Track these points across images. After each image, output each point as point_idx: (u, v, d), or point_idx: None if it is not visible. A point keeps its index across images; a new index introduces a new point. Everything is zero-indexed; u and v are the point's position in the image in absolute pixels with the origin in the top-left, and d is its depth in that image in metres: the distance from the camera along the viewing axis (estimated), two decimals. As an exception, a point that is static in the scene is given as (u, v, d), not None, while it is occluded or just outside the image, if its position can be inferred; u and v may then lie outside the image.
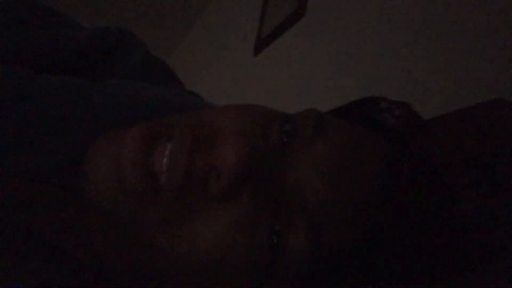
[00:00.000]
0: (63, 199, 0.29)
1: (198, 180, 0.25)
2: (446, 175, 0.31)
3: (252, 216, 0.25)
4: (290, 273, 0.26)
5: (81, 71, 0.39)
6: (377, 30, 0.82)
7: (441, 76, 0.64)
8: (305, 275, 0.26)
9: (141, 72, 0.42)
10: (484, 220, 0.30)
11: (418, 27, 0.71)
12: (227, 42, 1.67)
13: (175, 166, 0.25)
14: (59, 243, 0.28)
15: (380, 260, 0.28)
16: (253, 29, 1.40)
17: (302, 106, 0.31)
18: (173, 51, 2.42)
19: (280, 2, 1.26)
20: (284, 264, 0.26)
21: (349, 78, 0.87)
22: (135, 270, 0.27)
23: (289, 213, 0.26)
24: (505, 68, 0.54)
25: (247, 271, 0.25)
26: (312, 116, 0.29)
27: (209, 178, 0.25)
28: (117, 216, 0.25)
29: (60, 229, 0.28)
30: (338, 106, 0.38)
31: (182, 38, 2.34)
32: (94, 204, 0.26)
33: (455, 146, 0.33)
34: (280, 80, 1.16)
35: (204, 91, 0.58)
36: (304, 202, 0.26)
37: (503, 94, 0.51)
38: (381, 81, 0.77)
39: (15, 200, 0.28)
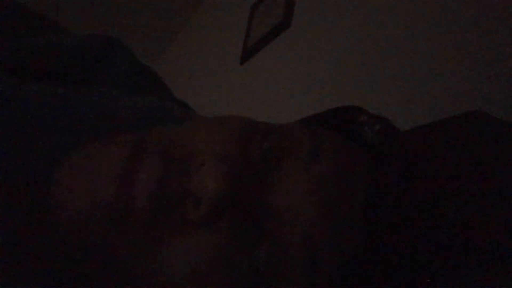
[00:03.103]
0: (37, 209, 0.28)
1: (174, 205, 0.24)
2: (425, 186, 0.32)
3: (231, 243, 0.24)
4: None
5: (67, 78, 0.39)
6: (361, 41, 0.84)
7: (422, 87, 0.65)
8: None
9: (129, 80, 0.42)
10: (462, 231, 0.30)
11: (401, 37, 0.73)
12: (213, 50, 1.68)
13: (147, 189, 0.24)
14: (33, 249, 0.27)
15: (372, 274, 0.28)
16: (239, 38, 1.41)
17: (288, 114, 0.31)
18: (159, 58, 2.41)
19: (266, 12, 1.27)
20: None
21: (333, 88, 0.88)
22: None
23: (279, 237, 0.25)
24: (483, 79, 0.55)
25: None
26: (308, 139, 0.28)
27: (186, 203, 0.24)
28: (86, 236, 0.24)
29: (32, 236, 0.28)
30: (316, 113, 0.37)
31: (168, 45, 2.34)
32: (62, 221, 0.25)
33: (432, 157, 0.33)
34: (266, 89, 1.17)
35: (190, 99, 0.58)
36: (297, 228, 0.25)
37: (481, 106, 0.53)
38: (365, 91, 0.78)
39: None
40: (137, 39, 2.15)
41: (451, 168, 0.32)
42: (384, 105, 0.71)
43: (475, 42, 0.58)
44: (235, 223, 0.25)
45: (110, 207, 0.23)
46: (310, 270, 0.25)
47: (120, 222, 0.24)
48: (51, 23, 0.43)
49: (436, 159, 0.33)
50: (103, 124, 0.32)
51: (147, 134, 0.27)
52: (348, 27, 0.89)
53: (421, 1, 0.71)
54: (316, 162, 0.27)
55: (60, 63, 0.38)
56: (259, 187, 0.26)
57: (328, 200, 0.26)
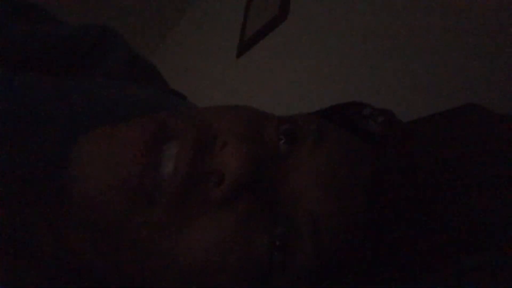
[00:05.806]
0: (40, 199, 0.28)
1: (199, 184, 0.25)
2: (425, 177, 0.32)
3: (250, 222, 0.25)
4: (293, 279, 0.26)
5: (62, 68, 0.39)
6: (357, 34, 0.84)
7: (417, 81, 0.66)
8: (308, 280, 0.26)
9: (124, 70, 0.42)
10: (460, 219, 0.31)
11: (398, 32, 0.73)
12: (209, 43, 1.67)
13: (179, 168, 0.24)
14: (36, 243, 0.27)
15: (375, 261, 0.28)
16: (236, 31, 1.41)
17: (284, 108, 0.31)
18: (155, 51, 2.40)
19: (262, 6, 1.27)
20: (288, 269, 0.26)
21: (330, 81, 0.88)
22: (123, 273, 0.26)
23: (290, 219, 0.26)
24: (478, 74, 0.55)
25: (246, 277, 0.25)
26: (314, 124, 0.29)
27: (210, 182, 0.25)
28: (108, 218, 0.24)
29: (37, 229, 0.28)
30: (320, 109, 0.38)
31: (164, 39, 2.33)
32: (80, 205, 0.25)
33: (433, 147, 0.33)
34: (262, 83, 1.17)
35: (187, 92, 0.58)
36: (305, 210, 0.26)
37: (475, 99, 0.53)
38: (361, 84, 0.78)
39: None
40: (132, 32, 2.14)
41: (451, 158, 0.33)
42: (382, 98, 0.71)
43: (473, 39, 0.58)
44: (253, 203, 0.25)
45: (135, 185, 0.23)
46: (316, 244, 0.26)
47: (143, 200, 0.24)
48: (46, 14, 0.42)
49: (437, 149, 0.34)
50: (99, 114, 0.32)
51: (168, 116, 0.27)
52: (345, 20, 0.89)
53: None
54: (320, 145, 0.28)
55: (56, 53, 0.38)
56: (275, 169, 0.27)
57: (332, 181, 0.27)
